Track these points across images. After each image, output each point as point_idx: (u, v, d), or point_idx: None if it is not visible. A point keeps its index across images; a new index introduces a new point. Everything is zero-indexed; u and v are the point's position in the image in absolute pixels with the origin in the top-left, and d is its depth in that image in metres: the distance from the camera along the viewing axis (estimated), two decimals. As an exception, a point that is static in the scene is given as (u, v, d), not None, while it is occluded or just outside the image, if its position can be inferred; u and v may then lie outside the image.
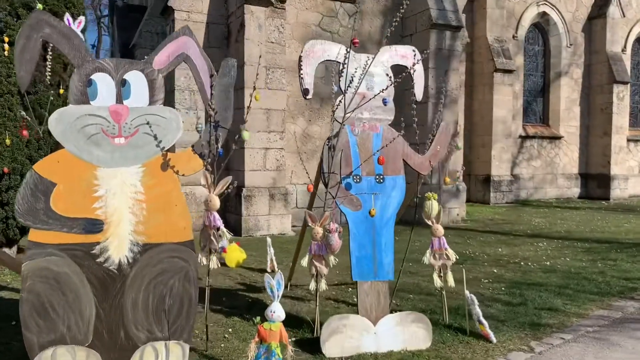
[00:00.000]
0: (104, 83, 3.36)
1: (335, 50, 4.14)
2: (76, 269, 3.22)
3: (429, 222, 4.36)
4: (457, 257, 4.53)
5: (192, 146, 3.48)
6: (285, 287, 4.69)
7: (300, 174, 11.51)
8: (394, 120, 4.25)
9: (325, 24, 11.87)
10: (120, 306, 3.28)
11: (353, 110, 3.90)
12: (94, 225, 3.26)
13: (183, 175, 3.44)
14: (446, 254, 4.37)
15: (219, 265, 3.65)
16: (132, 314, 3.30)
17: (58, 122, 3.28)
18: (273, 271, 5.95)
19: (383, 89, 3.97)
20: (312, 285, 4.03)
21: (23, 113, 3.80)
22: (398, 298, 5.07)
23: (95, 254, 3.25)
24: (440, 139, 4.36)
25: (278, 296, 3.23)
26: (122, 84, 3.40)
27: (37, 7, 5.83)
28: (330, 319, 3.83)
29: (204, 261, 3.58)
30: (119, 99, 3.39)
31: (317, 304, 4.11)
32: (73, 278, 3.21)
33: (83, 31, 6.12)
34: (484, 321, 4.07)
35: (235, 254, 3.53)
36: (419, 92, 4.31)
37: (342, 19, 12.10)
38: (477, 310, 4.09)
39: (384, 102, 4.06)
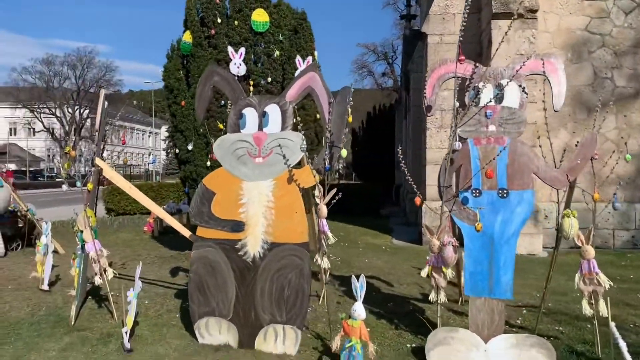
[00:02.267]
0: (250, 115, 4.31)
1: (461, 68, 4.19)
2: (225, 258, 4.21)
3: (578, 243, 3.95)
4: (612, 284, 3.95)
5: (311, 163, 4.11)
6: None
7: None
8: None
9: (594, 27, 10.79)
10: (252, 292, 4.13)
11: (464, 123, 3.92)
12: (239, 226, 4.21)
13: (303, 187, 4.10)
14: (597, 279, 3.89)
15: (328, 266, 4.15)
16: (259, 299, 4.10)
17: (219, 147, 4.36)
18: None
19: (488, 101, 3.87)
20: (432, 296, 4.14)
21: (212, 140, 5.05)
22: (545, 322, 4.63)
23: (238, 248, 4.19)
24: (581, 151, 3.91)
25: (361, 297, 3.58)
26: (263, 115, 4.28)
27: (275, 55, 7.29)
28: (438, 330, 3.91)
29: (319, 260, 4.14)
30: (260, 127, 4.28)
31: (439, 315, 4.18)
32: (222, 266, 4.21)
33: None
34: (627, 356, 3.51)
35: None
36: (556, 102, 3.98)
37: (615, 18, 10.79)
38: (622, 343, 3.56)
39: (487, 115, 3.92)
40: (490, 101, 3.91)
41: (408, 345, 4.23)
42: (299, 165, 4.17)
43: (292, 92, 4.29)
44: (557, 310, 5.17)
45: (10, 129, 66.79)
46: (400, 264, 7.92)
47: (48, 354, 4.00)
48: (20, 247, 8.60)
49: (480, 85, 4.09)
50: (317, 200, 4.04)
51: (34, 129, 62.06)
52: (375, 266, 7.81)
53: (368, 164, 26.31)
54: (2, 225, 8.15)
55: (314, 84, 4.23)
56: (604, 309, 3.88)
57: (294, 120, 4.18)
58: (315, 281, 5.28)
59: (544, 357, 3.68)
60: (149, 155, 70.00)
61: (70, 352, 4.03)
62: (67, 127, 57.67)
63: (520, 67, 3.92)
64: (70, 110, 58.32)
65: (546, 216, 9.99)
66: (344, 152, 4.01)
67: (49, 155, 62.68)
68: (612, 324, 3.68)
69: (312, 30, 7.80)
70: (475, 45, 11.11)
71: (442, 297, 4.09)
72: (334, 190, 4.05)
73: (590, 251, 3.91)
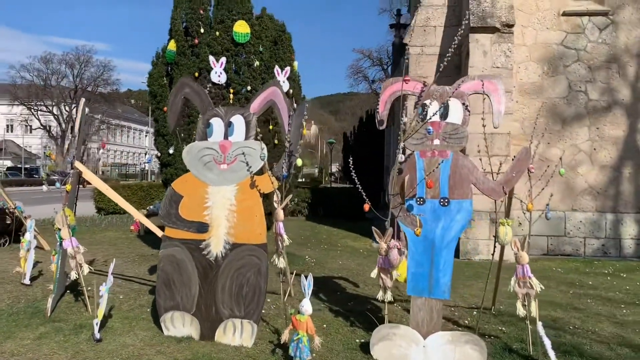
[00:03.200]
0: (217, 125, 4.66)
1: (411, 86, 4.55)
2: (190, 257, 4.55)
3: (514, 249, 4.31)
4: (542, 287, 4.30)
5: (270, 170, 4.46)
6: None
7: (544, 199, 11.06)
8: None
9: (569, 42, 11.16)
10: (214, 288, 4.47)
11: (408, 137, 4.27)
12: (203, 227, 4.55)
13: (264, 192, 4.45)
14: (530, 283, 4.24)
15: (284, 265, 4.50)
16: (220, 295, 4.45)
17: (187, 153, 4.71)
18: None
19: (429, 118, 4.23)
20: (380, 295, 4.48)
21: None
22: (492, 323, 4.99)
23: (202, 248, 4.53)
24: (516, 165, 4.28)
25: (308, 294, 3.92)
26: (228, 125, 4.63)
27: (255, 64, 7.66)
28: (382, 327, 4.26)
29: (276, 260, 4.48)
30: (226, 136, 4.63)
31: (386, 313, 4.53)
32: (187, 264, 4.55)
33: (289, 79, 7.70)
34: (551, 353, 3.87)
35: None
36: (496, 120, 4.34)
37: (590, 34, 11.18)
38: (546, 340, 3.92)
39: (428, 132, 4.29)
40: (431, 117, 4.26)
41: (358, 340, 4.57)
42: (261, 172, 4.51)
43: (256, 105, 4.65)
44: (506, 312, 5.52)
45: (7, 126, 67.07)
46: (372, 266, 8.09)
47: (23, 342, 4.33)
48: (7, 243, 8.92)
49: (427, 102, 4.45)
50: (275, 205, 4.38)
51: (30, 126, 62.30)
52: (347, 268, 8.15)
53: (359, 168, 26.65)
54: (-10, 222, 8.47)
55: (275, 98, 4.58)
56: (534, 310, 4.22)
57: (256, 130, 4.53)
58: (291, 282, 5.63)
59: (476, 353, 4.03)
60: (145, 154, 70.24)
61: (44, 341, 4.36)
62: (63, 125, 57.90)
63: (457, 87, 4.28)
64: (67, 108, 58.55)
65: (520, 223, 10.35)
66: (299, 161, 4.36)
67: (44, 153, 62.79)
68: (540, 324, 4.05)
69: (291, 42, 8.16)
70: (455, 56, 11.49)
71: (389, 296, 4.43)
72: (290, 197, 4.39)
73: (524, 257, 4.26)
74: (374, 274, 4.49)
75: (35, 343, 4.31)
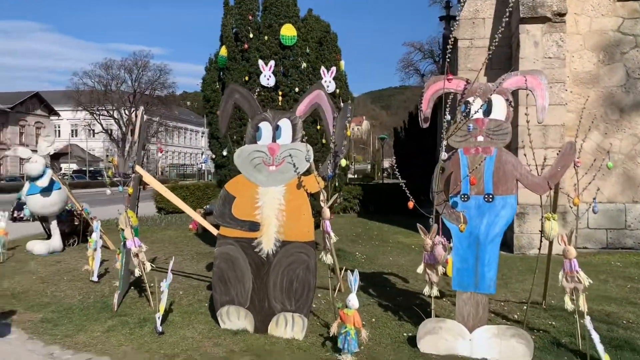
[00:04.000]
0: (266, 128, 4.88)
1: (454, 84, 4.61)
2: (243, 254, 4.79)
3: (561, 244, 4.30)
4: (591, 282, 4.27)
5: (316, 170, 4.63)
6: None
7: (593, 192, 10.76)
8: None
9: (626, 28, 10.77)
10: (266, 283, 4.70)
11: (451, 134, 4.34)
12: (255, 226, 4.78)
13: (310, 192, 4.64)
14: (578, 277, 4.23)
15: (331, 262, 4.66)
16: (272, 290, 4.67)
17: (238, 156, 4.96)
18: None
19: (472, 115, 4.27)
20: (426, 290, 4.57)
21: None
22: (542, 317, 4.97)
23: (254, 246, 4.77)
24: (561, 159, 4.26)
25: (355, 289, 4.08)
26: (276, 128, 4.84)
27: (303, 66, 7.88)
28: (427, 321, 4.36)
29: (324, 257, 4.66)
30: (274, 139, 4.84)
31: (433, 307, 4.62)
32: (241, 261, 4.80)
33: (335, 78, 7.85)
34: (599, 347, 3.87)
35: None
36: (539, 115, 4.34)
37: (649, 18, 10.76)
38: (594, 335, 3.92)
39: (468, 129, 4.33)
40: (474, 114, 4.32)
41: (405, 334, 4.69)
42: (308, 172, 4.70)
43: (302, 108, 4.84)
44: (557, 306, 5.48)
45: (72, 131, 70.51)
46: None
47: (93, 334, 4.70)
48: (76, 243, 9.52)
49: (470, 99, 4.50)
50: (322, 204, 4.55)
51: (93, 130, 65.31)
52: (397, 264, 8.24)
53: (410, 163, 26.53)
54: (60, 223, 9.07)
55: (320, 100, 4.75)
56: (582, 304, 4.21)
57: (302, 133, 4.72)
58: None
59: (522, 347, 4.08)
60: (202, 155, 72.22)
61: (112, 333, 4.72)
62: (123, 128, 60.36)
63: (500, 84, 4.31)
64: (126, 112, 60.99)
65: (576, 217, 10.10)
66: (343, 162, 4.52)
67: (107, 156, 65.79)
68: (588, 318, 4.04)
69: (336, 42, 8.32)
70: (506, 48, 11.31)
71: (435, 291, 4.52)
72: (336, 195, 4.55)
73: (572, 251, 4.24)
74: (420, 269, 4.59)
75: (104, 335, 4.67)
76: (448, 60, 4.58)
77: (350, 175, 51.64)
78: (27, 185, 8.66)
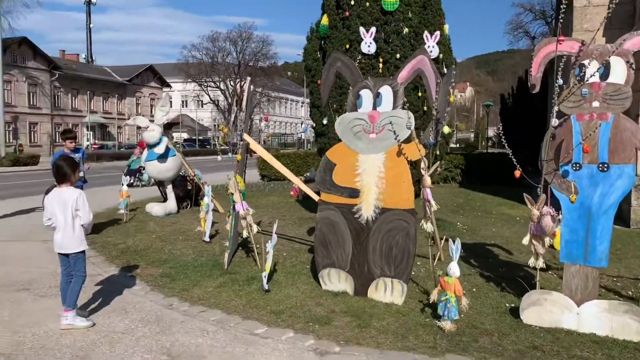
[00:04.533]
0: (366, 96, 4.91)
1: (567, 46, 4.32)
2: (343, 220, 4.92)
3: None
4: None
5: (418, 138, 4.60)
6: None
7: None
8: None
9: None
10: (365, 248, 4.80)
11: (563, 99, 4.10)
12: (355, 192, 4.88)
13: (411, 160, 4.62)
14: None
15: (432, 230, 4.64)
16: (372, 255, 4.76)
17: (339, 124, 5.04)
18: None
19: (587, 79, 3.98)
20: (532, 261, 4.43)
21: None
22: None
23: (354, 212, 4.87)
24: (689, 126, 3.88)
25: (456, 257, 4.06)
26: (377, 96, 4.85)
27: (405, 31, 7.78)
28: (532, 292, 4.24)
29: (424, 225, 4.65)
30: (374, 107, 4.86)
31: (538, 279, 4.48)
32: (341, 226, 4.93)
33: (438, 43, 7.71)
34: None
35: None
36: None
37: None
38: None
39: (582, 94, 4.02)
40: (590, 77, 4.04)
41: (507, 305, 4.61)
42: (409, 140, 4.68)
43: (404, 74, 4.80)
44: (680, 285, 5.10)
45: (182, 102, 74.57)
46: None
47: (207, 289, 5.09)
48: (189, 206, 10.22)
49: (586, 62, 4.22)
50: (422, 172, 4.53)
51: (201, 101, 68.62)
52: (501, 235, 8.01)
53: (516, 131, 25.28)
54: (175, 188, 9.77)
55: (423, 66, 4.68)
56: None
57: (404, 100, 4.69)
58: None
59: (636, 324, 3.86)
60: (302, 124, 73.59)
61: (223, 289, 5.08)
62: (229, 99, 62.80)
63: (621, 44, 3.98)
64: (232, 83, 63.32)
65: None
66: (446, 129, 4.45)
67: (215, 125, 69.00)
68: None
69: (440, 5, 8.07)
70: (628, 5, 10.35)
71: (541, 263, 4.38)
72: (438, 163, 4.51)
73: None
74: (525, 240, 4.46)
75: (216, 290, 5.05)
76: (561, 20, 4.30)
77: (452, 145, 50.20)
78: (145, 152, 9.38)
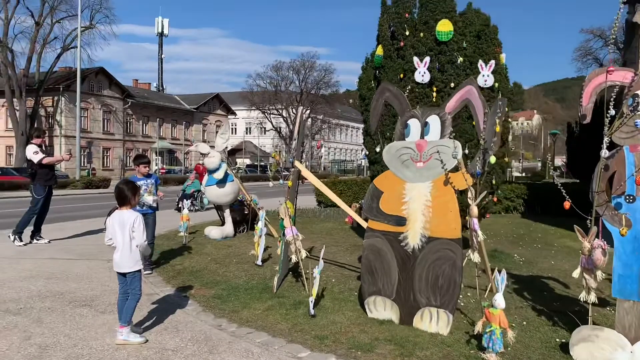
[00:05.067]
0: (414, 125, 4.98)
1: (620, 75, 4.23)
2: (389, 247, 4.95)
3: None
4: None
5: (465, 166, 4.60)
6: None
7: None
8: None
9: None
10: (411, 277, 4.80)
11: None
12: (402, 220, 4.91)
13: (458, 189, 4.63)
14: None
15: (478, 260, 4.58)
16: (418, 284, 4.76)
17: (387, 152, 5.12)
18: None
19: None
20: (583, 295, 4.27)
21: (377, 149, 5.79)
22: None
23: (400, 240, 4.90)
24: None
25: (501, 289, 4.00)
26: (424, 125, 4.91)
27: (459, 61, 7.83)
28: (582, 328, 4.08)
29: (471, 255, 4.61)
30: (422, 135, 4.91)
31: (590, 314, 4.31)
32: (387, 253, 4.96)
33: (494, 72, 7.69)
34: None
35: None
36: None
37: None
38: None
39: (636, 125, 3.89)
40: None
41: (558, 340, 4.47)
42: (456, 169, 4.69)
43: (451, 104, 4.84)
44: None
45: (246, 128, 76.79)
46: (588, 268, 7.69)
47: (255, 312, 5.23)
48: (245, 230, 10.50)
49: (639, 92, 4.11)
50: (469, 201, 4.52)
51: (264, 127, 70.36)
52: (559, 268, 7.73)
53: (585, 159, 24.29)
54: (232, 212, 10.10)
55: (470, 96, 4.71)
56: None
57: (451, 129, 4.72)
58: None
59: (695, 367, 3.65)
60: (362, 151, 73.78)
61: (271, 312, 5.20)
62: (291, 127, 64.08)
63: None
64: (294, 110, 64.69)
65: None
66: (492, 159, 4.43)
67: (277, 151, 70.49)
68: None
69: (497, 34, 8.04)
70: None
71: (593, 298, 4.22)
72: (485, 193, 4.49)
73: None
74: (576, 273, 4.32)
75: (264, 313, 5.18)
76: (612, 50, 4.22)
77: (516, 174, 48.82)
78: (205, 177, 9.77)
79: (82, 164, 41.44)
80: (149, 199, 6.74)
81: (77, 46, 37.79)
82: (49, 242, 9.27)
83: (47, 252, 8.43)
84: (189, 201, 15.10)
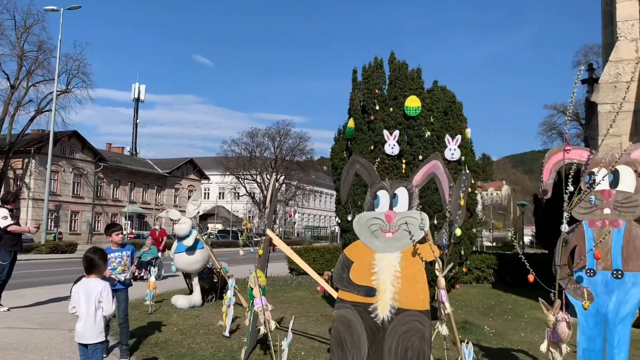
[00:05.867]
0: (383, 196, 5.10)
1: (577, 154, 4.48)
2: (359, 319, 4.93)
3: None
4: None
5: (433, 238, 4.69)
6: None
7: None
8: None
9: None
10: (381, 350, 4.75)
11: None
12: (371, 291, 4.92)
13: (426, 260, 4.69)
14: None
15: (447, 332, 4.59)
16: (387, 357, 4.70)
17: (357, 222, 5.20)
18: None
19: (594, 187, 4.07)
20: (549, 370, 4.30)
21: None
22: None
23: (370, 311, 4.88)
24: (703, 235, 3.88)
25: (468, 363, 4.00)
26: (393, 197, 5.03)
27: (427, 135, 8.10)
28: (551, 403, 4.08)
29: (440, 327, 4.61)
30: (391, 207, 5.02)
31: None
32: (357, 325, 4.93)
33: (460, 146, 7.95)
34: None
35: None
36: (674, 186, 4.03)
37: None
38: None
39: (590, 201, 4.10)
40: (597, 185, 4.14)
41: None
42: (424, 240, 4.78)
43: (418, 177, 5.00)
44: None
45: (219, 193, 76.60)
46: (557, 341, 7.72)
47: (220, 386, 5.07)
48: (213, 299, 10.28)
49: (595, 170, 4.34)
50: (437, 273, 4.58)
51: (238, 193, 70.28)
52: (529, 341, 7.74)
53: (552, 231, 24.82)
54: (201, 280, 9.92)
55: (436, 170, 4.88)
56: None
57: (419, 201, 4.85)
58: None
59: None
60: (335, 217, 74.03)
61: (237, 386, 5.05)
62: (265, 192, 64.22)
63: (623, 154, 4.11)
64: (268, 176, 65.07)
65: None
66: (458, 231, 4.54)
67: (249, 217, 70.07)
68: None
69: (461, 110, 8.42)
70: (655, 111, 10.53)
71: (559, 372, 4.24)
72: (452, 264, 4.56)
73: None
74: (543, 347, 4.35)
75: (229, 388, 5.02)
76: (568, 128, 4.48)
77: (487, 243, 49.34)
78: (175, 243, 9.66)
79: (49, 228, 40.43)
80: (120, 276, 6.13)
81: (52, 109, 37.82)
82: (8, 309, 8.91)
83: (4, 321, 8.08)
84: (155, 268, 14.74)
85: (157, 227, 18.02)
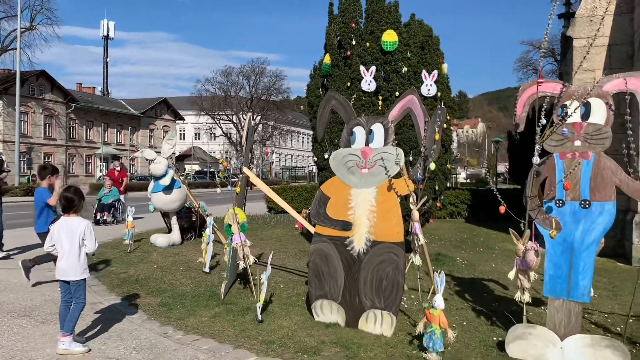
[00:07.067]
0: (359, 133, 5.11)
1: (550, 87, 4.51)
2: (336, 252, 5.06)
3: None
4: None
5: (408, 173, 4.76)
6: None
7: None
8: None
9: None
10: (357, 280, 4.91)
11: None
12: (347, 225, 5.03)
13: (400, 195, 4.78)
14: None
15: (420, 263, 4.76)
16: (363, 287, 4.87)
17: (333, 159, 5.24)
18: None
19: (566, 119, 4.14)
20: (518, 296, 4.51)
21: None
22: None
23: (346, 244, 5.01)
24: (666, 165, 4.01)
25: (440, 290, 4.16)
26: (369, 133, 5.05)
27: (403, 70, 8.03)
28: (517, 326, 4.31)
29: (413, 258, 4.77)
30: (367, 143, 5.05)
31: (525, 314, 4.55)
32: (334, 257, 5.06)
33: (437, 82, 7.93)
34: None
35: None
36: (643, 117, 4.12)
37: None
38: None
39: (563, 133, 4.18)
40: (569, 117, 4.21)
41: (495, 338, 4.68)
42: (399, 175, 4.85)
43: (394, 113, 5.00)
44: (669, 322, 5.13)
45: (195, 134, 75.70)
46: (525, 270, 8.05)
47: (202, 319, 5.22)
48: (193, 238, 10.39)
49: (567, 103, 4.39)
50: (411, 206, 4.68)
51: (214, 134, 69.51)
52: (500, 271, 8.06)
53: (525, 166, 25.32)
54: (179, 219, 9.96)
55: (412, 105, 4.89)
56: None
57: (394, 137, 4.88)
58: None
59: (617, 358, 3.91)
60: (312, 157, 74.14)
61: (218, 319, 5.20)
62: (241, 132, 63.66)
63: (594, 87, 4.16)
64: (244, 116, 64.27)
65: None
66: (432, 166, 4.61)
67: (226, 158, 69.75)
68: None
69: (439, 45, 8.34)
70: (627, 46, 10.58)
71: (527, 297, 4.45)
72: (425, 197, 4.66)
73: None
74: (511, 275, 4.55)
75: (210, 320, 5.17)
76: (542, 64, 4.49)
77: (462, 180, 50.32)
78: (151, 183, 9.62)
79: (22, 170, 39.67)
80: None
81: (17, 48, 36.28)
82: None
83: (-18, 262, 8.08)
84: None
85: (116, 167, 15.74)
